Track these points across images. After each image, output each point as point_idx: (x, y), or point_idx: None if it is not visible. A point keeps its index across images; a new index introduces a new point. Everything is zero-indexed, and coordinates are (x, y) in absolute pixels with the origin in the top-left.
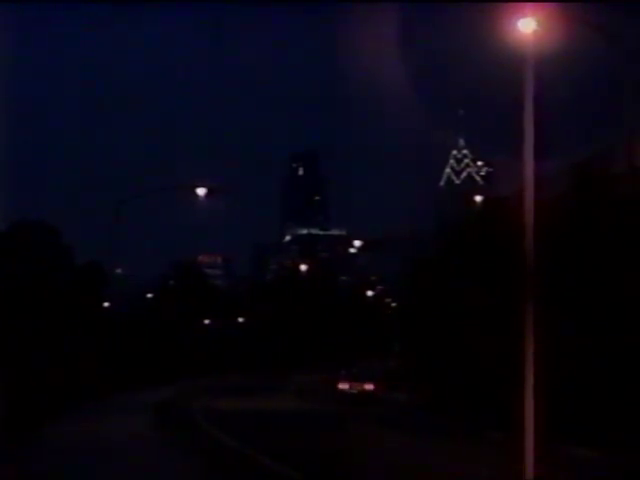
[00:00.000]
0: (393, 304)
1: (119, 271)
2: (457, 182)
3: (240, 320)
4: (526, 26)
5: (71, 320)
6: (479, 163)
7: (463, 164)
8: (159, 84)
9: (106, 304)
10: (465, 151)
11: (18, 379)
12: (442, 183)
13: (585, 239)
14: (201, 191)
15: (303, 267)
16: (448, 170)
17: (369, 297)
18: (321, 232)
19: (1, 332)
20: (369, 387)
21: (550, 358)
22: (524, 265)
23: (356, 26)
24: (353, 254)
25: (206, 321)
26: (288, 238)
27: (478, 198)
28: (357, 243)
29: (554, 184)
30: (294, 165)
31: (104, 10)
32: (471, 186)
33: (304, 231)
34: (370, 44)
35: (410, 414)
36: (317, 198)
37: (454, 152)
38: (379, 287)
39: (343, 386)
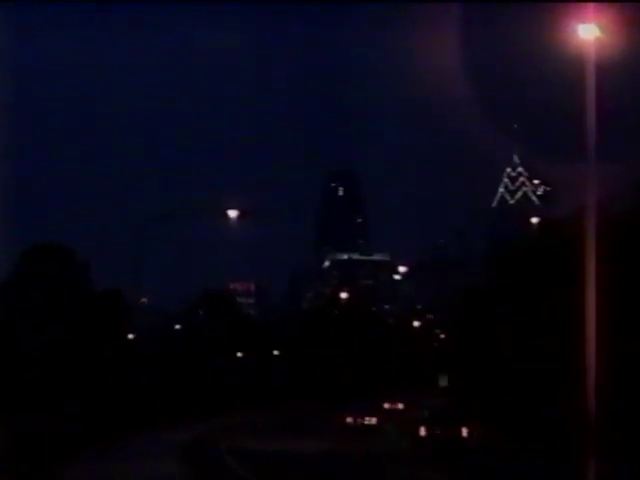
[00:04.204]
0: (442, 335)
1: (144, 300)
2: (511, 202)
3: (275, 353)
4: (587, 32)
5: (90, 351)
6: (535, 181)
7: (518, 183)
8: (189, 101)
9: (131, 336)
10: (520, 169)
11: (31, 416)
12: (495, 203)
13: None
14: (233, 214)
15: (343, 295)
16: (501, 189)
17: (415, 328)
18: (363, 257)
19: (16, 360)
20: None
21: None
22: (585, 294)
23: (399, 39)
24: (397, 281)
25: (239, 354)
26: (327, 264)
27: (534, 220)
28: (402, 269)
29: (618, 199)
30: (333, 185)
31: (122, 20)
32: (527, 207)
33: (344, 256)
34: (415, 58)
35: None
36: (358, 220)
37: (508, 170)
38: (428, 316)
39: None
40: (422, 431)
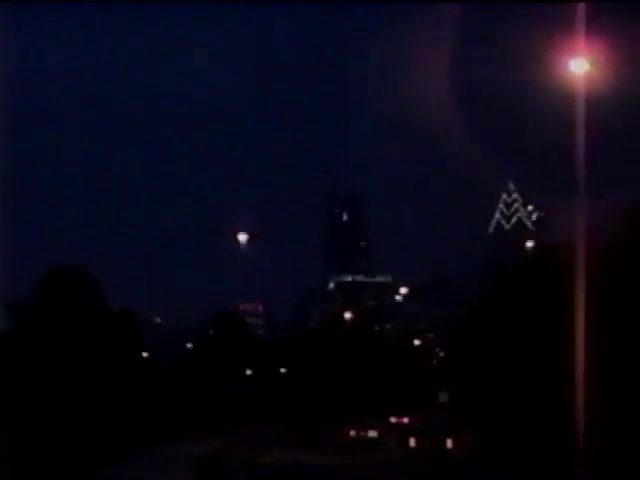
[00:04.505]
0: (441, 354)
1: (158, 320)
2: (507, 227)
3: (282, 370)
4: (578, 67)
5: (107, 368)
6: (529, 207)
7: (513, 209)
8: (198, 125)
9: (145, 354)
10: (515, 195)
11: (51, 429)
12: (491, 228)
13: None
14: (242, 237)
15: (347, 315)
16: (497, 215)
17: (416, 346)
18: (366, 279)
19: (34, 379)
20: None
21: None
22: (575, 316)
23: (397, 72)
24: (399, 302)
25: (248, 371)
26: (332, 285)
27: (529, 244)
28: (403, 290)
29: (608, 226)
30: (338, 210)
31: (137, 40)
32: (521, 231)
33: (348, 278)
34: (415, 87)
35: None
36: (362, 244)
37: (504, 196)
38: (430, 335)
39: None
40: (412, 442)
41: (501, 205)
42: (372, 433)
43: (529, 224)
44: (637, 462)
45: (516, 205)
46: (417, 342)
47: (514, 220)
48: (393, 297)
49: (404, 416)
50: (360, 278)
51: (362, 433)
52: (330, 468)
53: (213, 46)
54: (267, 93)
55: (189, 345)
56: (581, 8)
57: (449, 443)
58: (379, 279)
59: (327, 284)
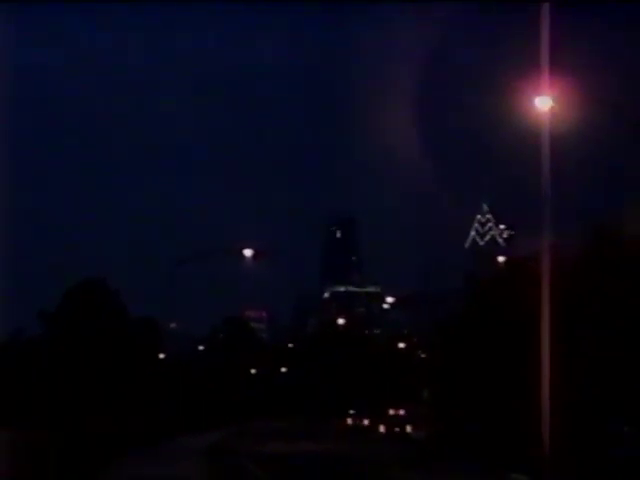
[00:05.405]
0: (423, 355)
1: (174, 325)
2: (481, 244)
3: (283, 370)
4: (543, 103)
5: (127, 368)
6: (501, 226)
7: (486, 227)
8: (209, 146)
9: (162, 355)
10: (488, 216)
11: (72, 429)
12: (467, 245)
13: (600, 294)
14: (248, 252)
15: (340, 321)
16: (473, 233)
17: (401, 348)
18: (357, 289)
19: (60, 382)
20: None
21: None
22: (540, 321)
23: (381, 105)
24: (386, 309)
25: (252, 370)
26: (327, 295)
27: (500, 259)
28: (390, 299)
29: (573, 245)
30: (332, 229)
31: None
32: (494, 248)
33: (341, 288)
34: (398, 115)
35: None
36: (353, 258)
37: (478, 216)
38: (414, 339)
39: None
40: (381, 428)
41: (476, 224)
42: (365, 422)
43: (500, 241)
44: (598, 463)
45: (489, 224)
46: (402, 345)
47: (487, 237)
48: (381, 305)
49: (400, 408)
50: (352, 288)
51: (357, 421)
52: (324, 454)
53: (214, 52)
54: (265, 123)
55: (201, 347)
56: (545, 48)
57: (409, 428)
58: (369, 289)
59: (323, 293)
